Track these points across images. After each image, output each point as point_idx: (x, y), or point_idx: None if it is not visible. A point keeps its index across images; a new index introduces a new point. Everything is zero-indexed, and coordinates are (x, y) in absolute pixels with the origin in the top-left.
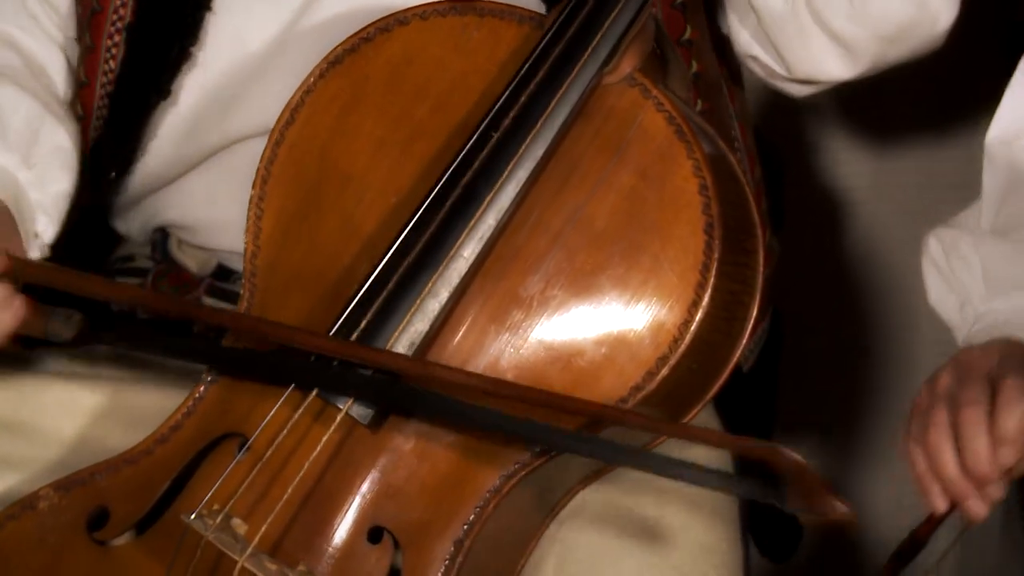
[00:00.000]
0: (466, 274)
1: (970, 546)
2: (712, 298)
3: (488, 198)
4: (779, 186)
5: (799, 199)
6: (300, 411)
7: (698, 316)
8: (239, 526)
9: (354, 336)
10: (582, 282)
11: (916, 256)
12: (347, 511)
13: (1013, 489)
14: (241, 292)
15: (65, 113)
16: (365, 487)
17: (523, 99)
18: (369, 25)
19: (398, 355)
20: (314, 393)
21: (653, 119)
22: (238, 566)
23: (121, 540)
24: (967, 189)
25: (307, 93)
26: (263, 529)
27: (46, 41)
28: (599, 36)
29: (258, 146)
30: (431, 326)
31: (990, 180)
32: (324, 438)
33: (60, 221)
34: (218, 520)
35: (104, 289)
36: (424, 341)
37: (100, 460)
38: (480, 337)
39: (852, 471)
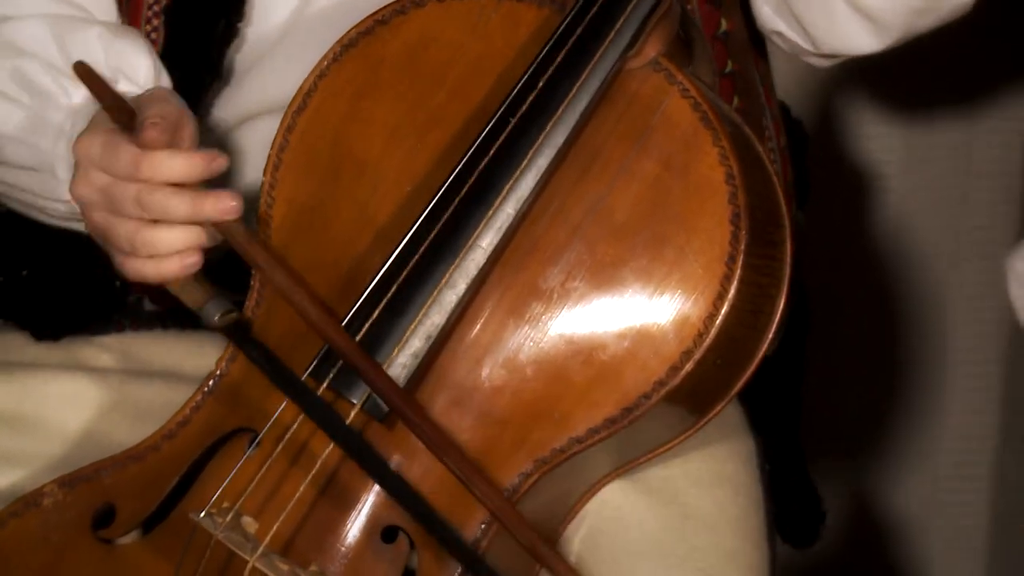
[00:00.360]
0: (484, 265)
1: None
2: (738, 291)
3: (507, 187)
4: (803, 159)
5: (825, 174)
6: None
7: (724, 309)
8: (249, 525)
9: (366, 327)
10: (604, 274)
11: (948, 235)
12: (361, 509)
13: None
14: (251, 282)
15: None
16: (379, 487)
17: (543, 84)
18: (384, 7)
19: (393, 385)
20: (325, 385)
21: (678, 105)
22: (248, 566)
23: (127, 539)
24: (1004, 163)
25: (320, 77)
26: (274, 528)
27: None
28: (623, 19)
29: (268, 126)
30: (448, 319)
31: None
32: None
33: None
34: (228, 519)
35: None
36: (441, 334)
37: (106, 455)
38: (499, 330)
39: (881, 460)
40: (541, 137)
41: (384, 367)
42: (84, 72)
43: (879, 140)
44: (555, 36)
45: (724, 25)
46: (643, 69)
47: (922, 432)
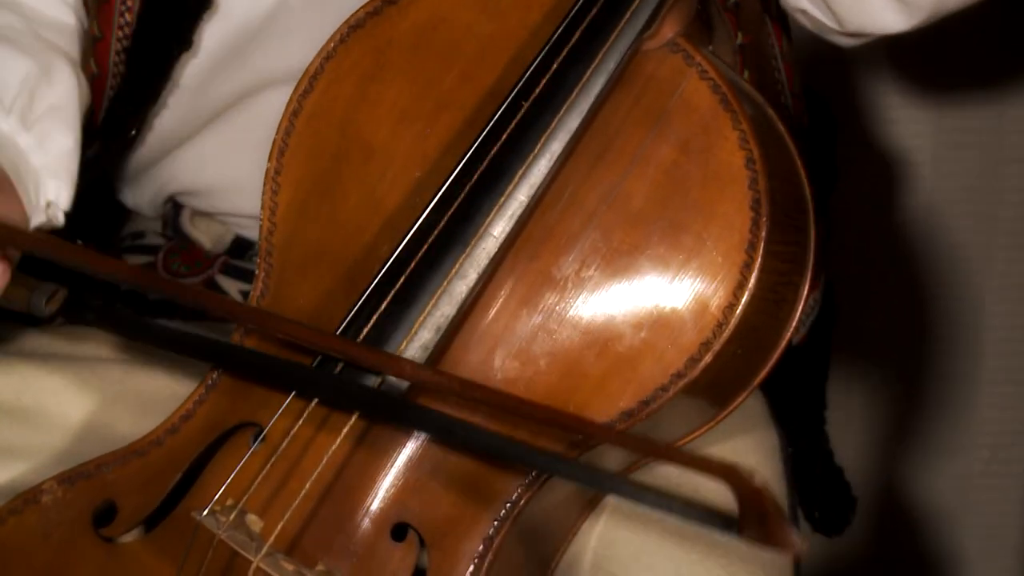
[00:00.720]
0: (496, 254)
1: None
2: (759, 279)
3: (519, 173)
4: (831, 144)
5: (853, 159)
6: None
7: (744, 298)
8: (254, 523)
9: (375, 318)
10: (619, 263)
11: (981, 223)
12: (369, 507)
13: None
14: (256, 271)
15: (69, 69)
16: (388, 481)
17: (557, 66)
18: None
19: (405, 361)
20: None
21: (696, 88)
22: (253, 567)
23: (129, 537)
24: None
25: (326, 59)
26: (279, 526)
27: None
28: None
29: (274, 99)
30: (459, 309)
31: None
32: (345, 428)
33: (73, 182)
34: (232, 517)
35: (95, 263)
36: (451, 325)
37: (108, 448)
38: (511, 321)
39: (912, 453)
40: (555, 121)
41: None
42: None
43: (908, 124)
44: (569, 16)
45: None
46: (660, 50)
47: (954, 426)
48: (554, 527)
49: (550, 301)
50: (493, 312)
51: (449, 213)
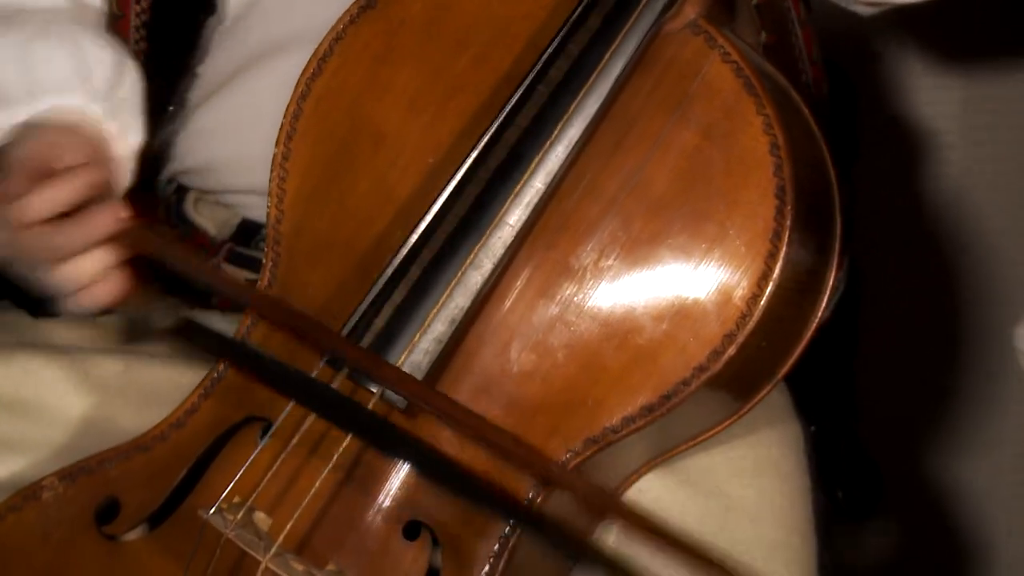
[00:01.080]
0: (512, 243)
1: None
2: (784, 269)
3: (536, 160)
4: (852, 114)
5: (877, 137)
6: None
7: (768, 289)
8: (263, 521)
9: (386, 311)
10: (639, 252)
11: (1013, 201)
12: (381, 505)
13: None
14: (264, 260)
15: (133, 61)
16: (401, 478)
17: (575, 49)
18: None
19: (405, 375)
20: (344, 373)
21: (719, 71)
22: (261, 567)
23: (132, 535)
24: None
25: (336, 40)
26: (289, 525)
27: None
28: None
29: (278, 68)
30: (473, 301)
31: None
32: None
33: (130, 179)
34: (239, 515)
35: (217, 282)
36: (466, 317)
37: (110, 443)
38: (527, 312)
39: (940, 447)
40: (572, 106)
41: (405, 353)
42: None
43: (934, 94)
44: None
45: None
46: (681, 32)
47: (984, 419)
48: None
49: (568, 292)
50: (509, 303)
51: (463, 201)
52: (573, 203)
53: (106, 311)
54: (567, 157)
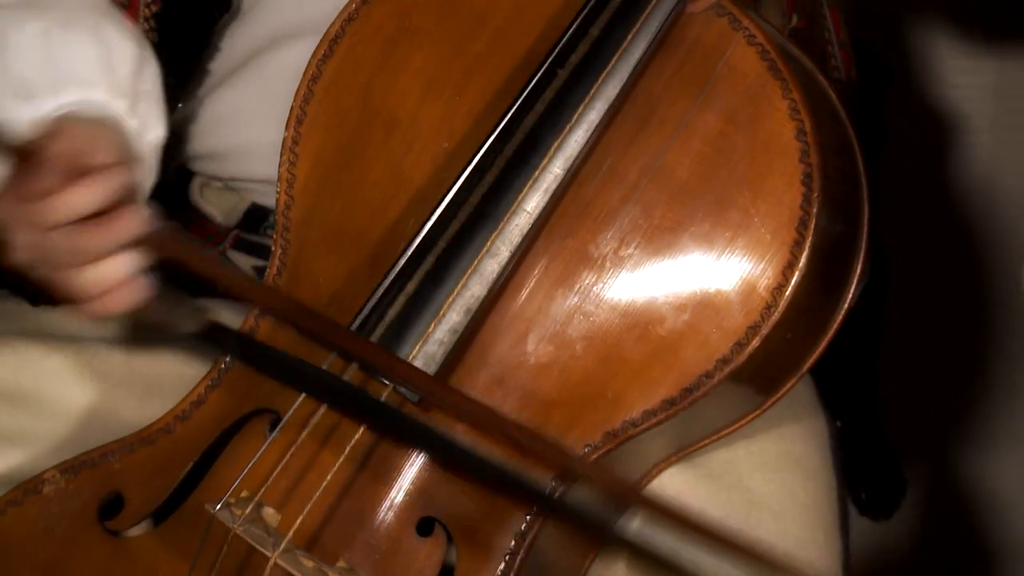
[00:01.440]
0: (529, 231)
1: None
2: (810, 258)
3: (555, 145)
4: (880, 98)
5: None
6: None
7: (794, 279)
8: (271, 516)
9: (400, 300)
10: (661, 240)
11: None
12: (394, 500)
13: None
14: (272, 248)
15: (152, 51)
16: (414, 473)
17: (595, 31)
18: None
19: (415, 369)
20: (355, 365)
21: (743, 54)
22: (270, 563)
23: (137, 530)
24: None
25: (348, 22)
26: (299, 520)
27: None
28: None
29: (290, 54)
30: (490, 290)
31: None
32: None
33: (154, 177)
34: (247, 510)
35: (246, 290)
36: (482, 307)
37: (112, 435)
38: (545, 302)
39: (969, 440)
40: (593, 89)
41: (419, 344)
42: None
43: (965, 78)
44: None
45: None
46: (705, 13)
47: (1014, 413)
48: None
49: (587, 281)
50: (526, 293)
51: (480, 187)
52: (593, 189)
53: (128, 316)
54: (587, 142)
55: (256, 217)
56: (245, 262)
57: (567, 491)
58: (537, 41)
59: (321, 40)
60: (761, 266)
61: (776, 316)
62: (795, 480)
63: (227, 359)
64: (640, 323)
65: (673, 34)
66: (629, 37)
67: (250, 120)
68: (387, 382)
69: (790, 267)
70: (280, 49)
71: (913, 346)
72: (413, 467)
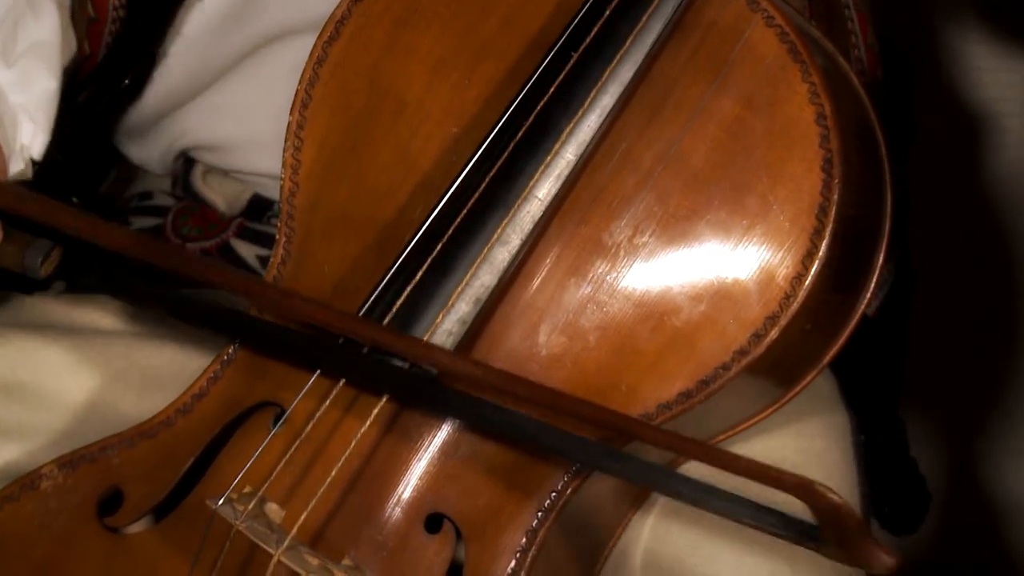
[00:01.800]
0: (541, 218)
1: None
2: (830, 247)
3: (567, 129)
4: (908, 98)
5: (933, 114)
6: None
7: (814, 268)
8: (275, 512)
9: (408, 289)
10: (676, 228)
11: None
12: (401, 495)
13: None
14: (277, 236)
15: (54, 6)
16: (422, 468)
17: (608, 11)
18: None
19: (436, 349)
20: (364, 351)
21: (762, 36)
22: (274, 560)
23: (136, 527)
24: None
25: (354, 2)
26: (303, 516)
27: None
28: None
29: (296, 49)
30: (500, 279)
31: None
32: (375, 409)
33: (50, 129)
34: (250, 506)
35: (84, 226)
36: (492, 297)
37: (112, 429)
38: (557, 292)
39: (994, 440)
40: (606, 72)
41: (427, 335)
42: None
43: (995, 75)
44: None
45: None
46: None
47: None
48: (603, 519)
49: (600, 270)
50: (537, 282)
51: (490, 173)
52: (606, 176)
53: None
54: (600, 127)
55: (260, 206)
56: (249, 251)
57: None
58: (549, 22)
59: (327, 22)
60: (780, 255)
61: (795, 306)
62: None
63: (230, 351)
64: (655, 313)
65: (689, 15)
66: (644, 18)
67: (253, 113)
68: (400, 365)
69: (810, 256)
70: (284, 43)
71: (939, 348)
72: (421, 462)
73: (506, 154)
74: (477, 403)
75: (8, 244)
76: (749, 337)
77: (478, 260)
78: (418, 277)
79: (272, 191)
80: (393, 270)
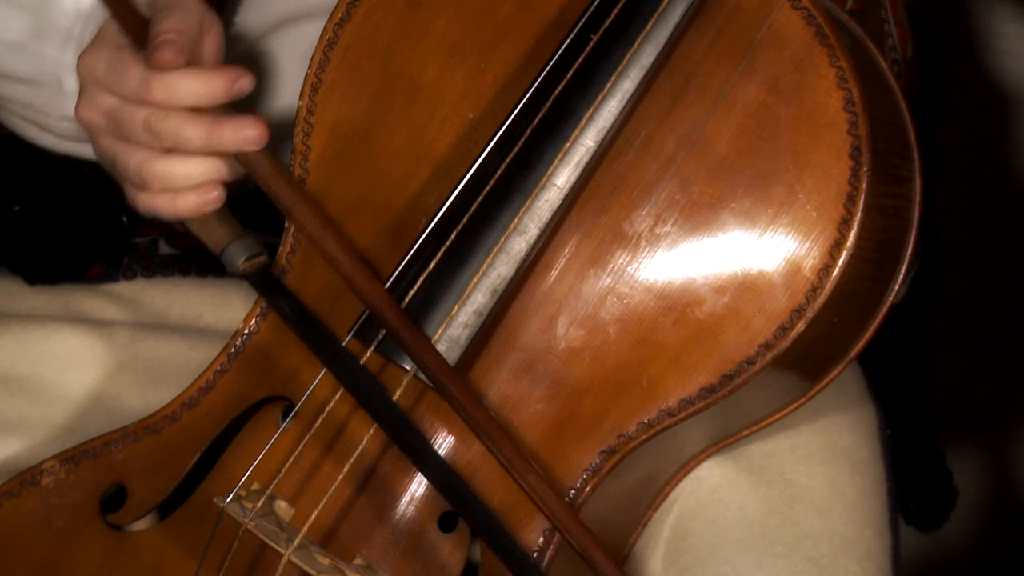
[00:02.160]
0: (559, 207)
1: None
2: (858, 237)
3: (586, 115)
4: (938, 75)
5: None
6: None
7: (841, 259)
8: (284, 510)
9: (422, 280)
10: (699, 217)
11: None
12: (414, 493)
13: None
14: (285, 225)
15: None
16: None
17: None
18: None
19: (436, 353)
20: (372, 349)
21: (788, 18)
22: (284, 560)
23: (140, 525)
24: None
25: None
26: (314, 515)
27: None
28: None
29: (304, 34)
30: (517, 270)
31: None
32: None
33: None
34: (259, 503)
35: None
36: (509, 288)
37: (115, 423)
38: (576, 283)
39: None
40: (627, 57)
41: (442, 327)
42: None
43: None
44: None
45: None
46: None
47: None
48: (622, 518)
49: (621, 261)
50: (556, 273)
51: (507, 160)
52: (627, 163)
53: (175, 233)
54: (621, 112)
55: None
56: (257, 238)
57: (559, 549)
58: (568, 3)
59: (338, 3)
60: (806, 245)
61: (822, 299)
62: (841, 473)
63: (238, 343)
64: (677, 306)
65: None
66: (666, 0)
67: (263, 103)
68: (407, 367)
69: (837, 246)
70: (297, 27)
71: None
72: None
73: (524, 140)
74: (448, 472)
75: (220, 224)
76: (775, 330)
77: (495, 250)
78: (433, 266)
79: None
80: (407, 259)
